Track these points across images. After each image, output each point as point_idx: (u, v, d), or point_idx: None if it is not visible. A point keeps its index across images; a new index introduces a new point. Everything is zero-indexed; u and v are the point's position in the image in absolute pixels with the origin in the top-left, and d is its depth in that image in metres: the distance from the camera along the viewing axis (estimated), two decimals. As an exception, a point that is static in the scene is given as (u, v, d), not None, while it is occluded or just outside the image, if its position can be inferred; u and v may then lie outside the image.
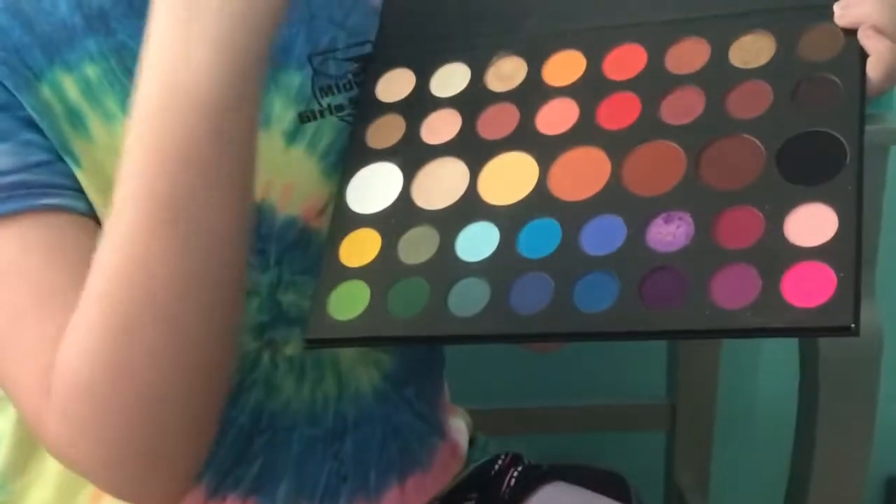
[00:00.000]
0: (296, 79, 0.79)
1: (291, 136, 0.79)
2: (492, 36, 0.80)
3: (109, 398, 0.65)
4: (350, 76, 0.82)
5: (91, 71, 0.74)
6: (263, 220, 0.77)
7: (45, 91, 0.73)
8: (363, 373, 0.83)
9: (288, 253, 0.78)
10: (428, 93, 0.79)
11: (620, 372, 1.57)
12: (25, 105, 0.72)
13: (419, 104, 0.79)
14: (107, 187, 0.70)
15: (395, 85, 0.81)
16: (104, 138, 0.74)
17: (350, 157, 0.79)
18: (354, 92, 0.82)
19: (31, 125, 0.72)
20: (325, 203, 0.79)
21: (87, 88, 0.74)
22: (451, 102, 0.78)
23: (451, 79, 0.79)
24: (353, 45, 0.83)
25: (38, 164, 0.71)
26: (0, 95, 0.72)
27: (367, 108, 0.80)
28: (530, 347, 0.91)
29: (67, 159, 0.73)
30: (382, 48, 0.83)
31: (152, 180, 0.64)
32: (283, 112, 0.79)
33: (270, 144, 0.77)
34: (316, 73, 0.80)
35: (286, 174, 0.78)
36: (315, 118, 0.80)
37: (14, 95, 0.72)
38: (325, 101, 0.80)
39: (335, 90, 0.81)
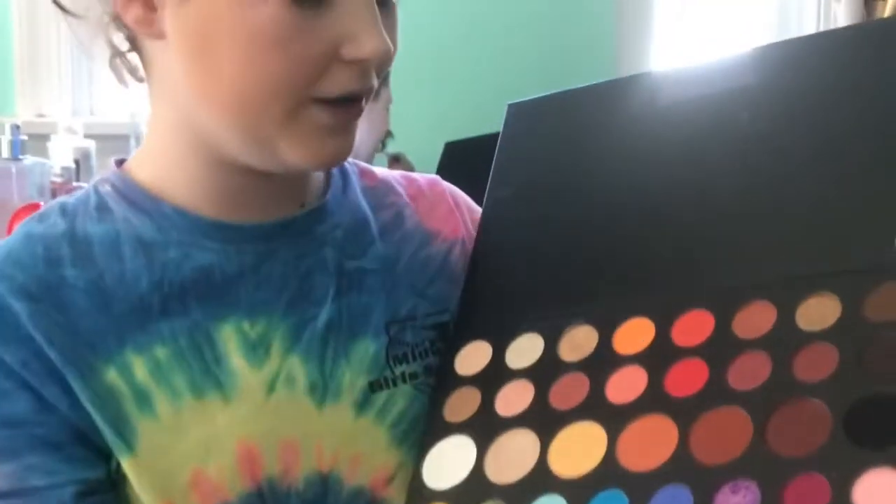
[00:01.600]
0: (371, 347, 0.82)
1: (361, 406, 0.80)
2: (565, 306, 0.82)
3: None
4: (427, 344, 0.84)
5: (161, 352, 0.77)
6: (330, 491, 0.78)
7: (112, 374, 0.76)
8: None
9: None
10: (503, 365, 0.81)
11: None
12: (80, 397, 0.75)
13: (495, 376, 0.80)
14: (161, 475, 0.74)
15: (473, 357, 0.82)
16: (170, 418, 0.76)
17: (427, 430, 0.80)
18: (430, 360, 0.83)
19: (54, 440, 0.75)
20: (393, 471, 0.79)
21: (156, 369, 0.77)
22: (526, 374, 0.79)
23: (526, 350, 0.81)
24: (433, 313, 0.85)
25: (35, 490, 0.74)
26: (23, 406, 0.75)
27: (445, 381, 0.82)
28: None
29: (120, 445, 0.75)
30: (462, 319, 0.85)
31: None
32: (353, 382, 0.80)
33: (339, 416, 0.79)
34: (392, 341, 0.82)
35: (354, 445, 0.79)
36: (387, 387, 0.81)
37: (43, 404, 0.74)
38: (398, 370, 0.82)
39: (410, 358, 0.83)
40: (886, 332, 0.68)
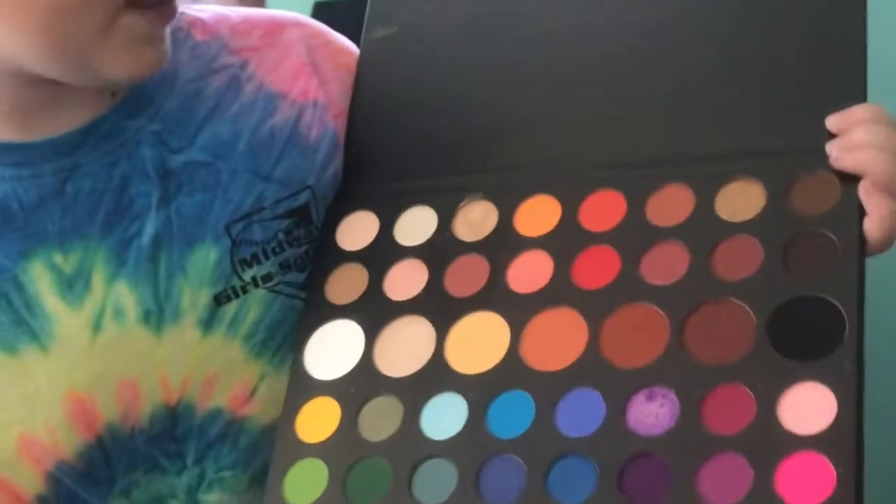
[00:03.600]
0: (211, 255, 0.71)
1: (207, 323, 0.71)
2: (460, 174, 0.74)
3: None
4: (281, 236, 0.73)
5: None
6: (180, 420, 0.71)
7: None
8: None
9: (211, 449, 0.71)
10: (392, 241, 0.74)
11: None
12: None
13: (383, 254, 0.73)
14: None
15: (357, 230, 0.75)
16: None
17: (307, 312, 0.73)
18: (287, 254, 0.73)
19: None
20: (253, 386, 0.72)
21: None
22: (417, 252, 0.72)
23: (417, 225, 0.74)
24: (285, 197, 0.74)
25: None
26: None
27: (325, 256, 0.74)
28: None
29: None
30: (344, 186, 0.77)
31: None
32: (195, 298, 0.71)
33: (182, 339, 0.70)
34: (236, 243, 0.72)
35: (205, 367, 0.71)
36: (236, 296, 0.72)
37: None
38: (247, 275, 0.72)
39: (261, 258, 0.72)
40: (814, 227, 0.64)
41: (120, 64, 0.65)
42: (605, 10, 0.75)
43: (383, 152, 0.78)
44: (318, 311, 0.72)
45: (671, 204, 0.68)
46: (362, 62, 0.81)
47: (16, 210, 0.68)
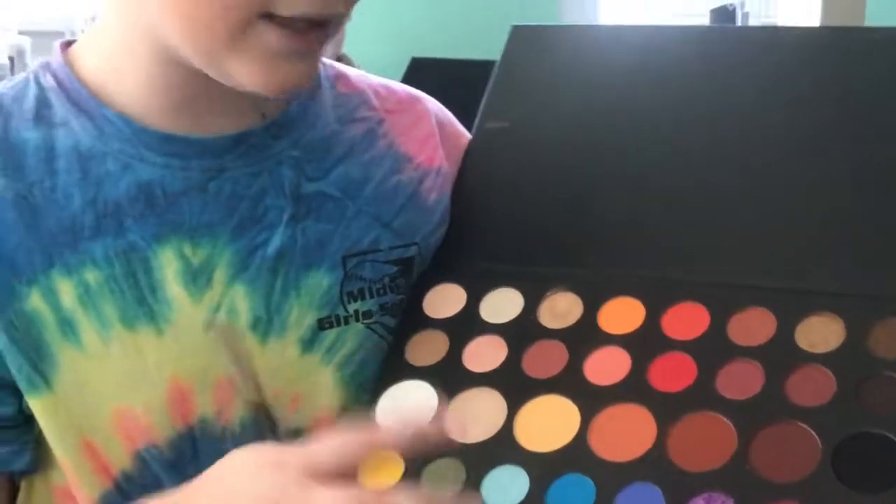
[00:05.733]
0: (324, 281, 0.76)
1: (307, 344, 0.75)
2: (550, 265, 0.78)
3: None
4: (386, 280, 0.78)
5: (91, 276, 0.71)
6: (265, 431, 0.73)
7: (34, 298, 0.70)
8: None
9: None
10: (477, 315, 0.77)
11: None
12: None
13: (466, 326, 0.76)
14: (81, 412, 0.69)
15: (445, 300, 0.78)
16: (96, 347, 0.70)
17: (386, 367, 0.76)
18: (387, 297, 0.78)
19: None
20: (337, 414, 0.75)
21: (85, 294, 0.70)
22: (500, 330, 0.75)
23: (503, 305, 0.77)
24: (398, 246, 0.79)
25: None
26: None
27: (411, 319, 0.78)
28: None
29: (35, 380, 0.70)
30: (439, 257, 0.81)
31: None
32: (301, 318, 0.75)
33: (282, 353, 0.74)
34: (347, 276, 0.76)
35: (297, 384, 0.74)
36: (338, 325, 0.76)
37: None
38: (351, 307, 0.76)
39: (366, 295, 0.77)
40: (889, 371, 0.66)
41: (249, 74, 0.68)
42: (716, 132, 0.79)
43: (480, 233, 0.82)
44: (396, 369, 0.75)
45: (753, 325, 0.71)
46: (473, 147, 0.86)
47: (159, 196, 0.72)
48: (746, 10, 3.40)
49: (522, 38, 0.90)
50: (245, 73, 0.68)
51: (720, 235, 0.75)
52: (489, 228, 0.82)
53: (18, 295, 0.69)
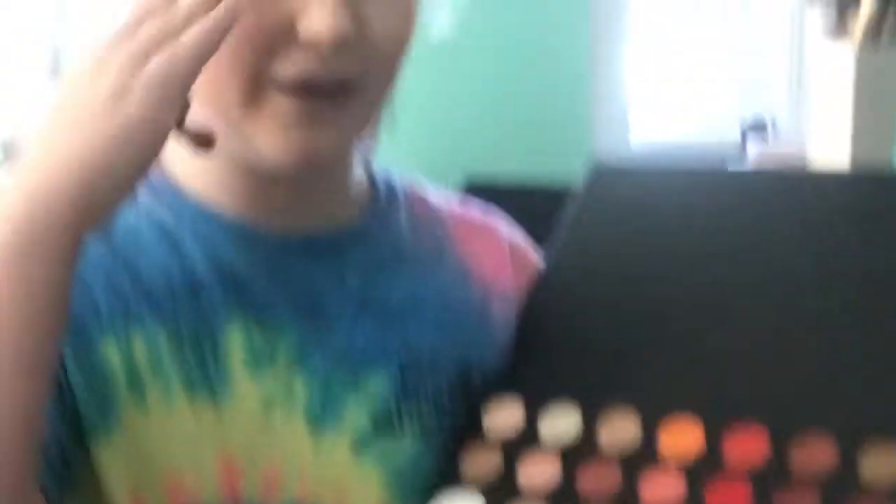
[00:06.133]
0: (382, 386, 0.76)
1: (360, 445, 0.74)
2: (610, 385, 0.77)
3: None
4: (445, 391, 0.78)
5: (162, 337, 0.72)
6: None
7: (111, 349, 0.71)
8: None
9: None
10: (535, 432, 0.76)
11: None
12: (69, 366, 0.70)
13: (523, 442, 0.75)
14: (137, 466, 0.69)
15: (502, 415, 0.77)
16: (159, 407, 0.71)
17: (438, 479, 0.75)
18: (444, 407, 0.78)
19: None
20: None
21: (154, 351, 0.71)
22: (556, 448, 0.74)
23: (561, 422, 0.76)
24: (459, 363, 0.79)
25: None
26: None
27: (467, 432, 0.77)
28: None
29: (98, 426, 0.70)
30: (500, 375, 0.80)
31: None
32: (356, 418, 0.74)
33: (334, 450, 0.74)
34: (406, 384, 0.76)
35: (343, 484, 0.74)
36: (391, 430, 0.75)
37: None
38: (407, 415, 0.76)
39: (422, 404, 0.77)
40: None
41: (266, 143, 0.69)
42: (795, 282, 0.78)
43: (543, 358, 0.81)
44: (447, 480, 0.74)
45: (813, 452, 0.68)
46: (546, 274, 0.85)
47: (230, 278, 0.74)
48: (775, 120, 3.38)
49: (601, 176, 0.90)
50: (264, 142, 0.69)
51: (777, 368, 0.74)
52: (552, 355, 0.81)
53: (94, 343, 0.71)
